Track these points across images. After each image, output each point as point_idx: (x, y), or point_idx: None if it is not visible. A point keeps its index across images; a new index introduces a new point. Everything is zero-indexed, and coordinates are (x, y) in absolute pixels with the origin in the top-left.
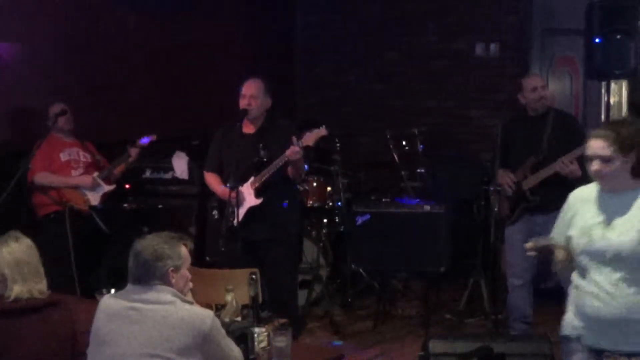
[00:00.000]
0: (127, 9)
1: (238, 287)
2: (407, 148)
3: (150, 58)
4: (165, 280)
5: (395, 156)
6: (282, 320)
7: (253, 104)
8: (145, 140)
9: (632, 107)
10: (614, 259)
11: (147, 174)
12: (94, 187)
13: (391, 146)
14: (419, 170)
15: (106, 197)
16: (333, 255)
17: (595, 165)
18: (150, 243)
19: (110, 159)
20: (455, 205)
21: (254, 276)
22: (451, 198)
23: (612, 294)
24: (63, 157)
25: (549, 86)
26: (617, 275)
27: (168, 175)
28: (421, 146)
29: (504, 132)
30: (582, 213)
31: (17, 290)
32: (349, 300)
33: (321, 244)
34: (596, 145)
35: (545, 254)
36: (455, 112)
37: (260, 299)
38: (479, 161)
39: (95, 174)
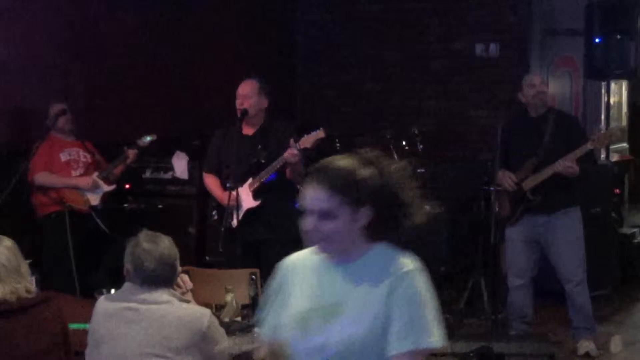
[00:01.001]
0: (127, 9)
1: (238, 287)
2: (407, 148)
3: (150, 58)
4: (175, 280)
5: (395, 156)
6: None
7: (245, 103)
8: (145, 140)
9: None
10: None
11: (147, 174)
12: (93, 188)
13: (391, 146)
14: (419, 170)
15: (106, 197)
16: None
17: (309, 224)
18: (165, 244)
19: (110, 159)
20: (455, 205)
21: (253, 276)
22: (451, 198)
23: None
24: (63, 157)
25: (548, 86)
26: None
27: (168, 175)
28: (421, 146)
29: (504, 132)
30: (297, 291)
31: None
32: None
33: None
34: (313, 195)
35: None
36: (455, 112)
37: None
38: (479, 161)
39: (95, 174)
